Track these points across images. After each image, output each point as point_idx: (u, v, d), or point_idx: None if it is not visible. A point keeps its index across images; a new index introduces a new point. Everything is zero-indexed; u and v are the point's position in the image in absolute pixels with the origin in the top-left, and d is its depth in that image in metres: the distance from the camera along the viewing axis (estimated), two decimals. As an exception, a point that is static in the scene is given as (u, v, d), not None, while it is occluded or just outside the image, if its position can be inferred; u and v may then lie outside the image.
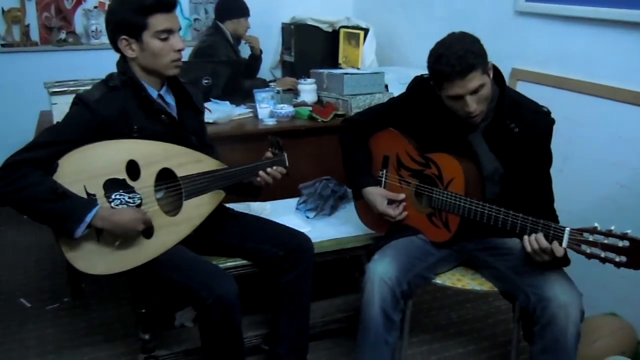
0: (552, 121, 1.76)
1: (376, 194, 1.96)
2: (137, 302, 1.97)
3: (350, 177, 2.07)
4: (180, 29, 1.80)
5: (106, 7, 3.72)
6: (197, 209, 1.84)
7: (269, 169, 1.96)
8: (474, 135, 1.81)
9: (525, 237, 1.60)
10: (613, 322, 2.14)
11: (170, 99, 1.88)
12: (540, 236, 1.56)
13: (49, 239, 3.14)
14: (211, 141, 2.05)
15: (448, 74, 1.64)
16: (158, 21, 1.71)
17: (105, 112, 1.70)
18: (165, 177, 1.79)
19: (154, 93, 1.81)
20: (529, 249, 1.59)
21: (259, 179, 1.96)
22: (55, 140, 1.66)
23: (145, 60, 1.76)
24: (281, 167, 2.00)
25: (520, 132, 1.74)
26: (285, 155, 2.03)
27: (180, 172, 1.80)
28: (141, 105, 1.77)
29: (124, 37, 1.73)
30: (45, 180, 1.60)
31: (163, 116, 1.81)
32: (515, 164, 1.77)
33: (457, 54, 1.62)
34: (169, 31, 1.74)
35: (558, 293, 1.64)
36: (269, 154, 2.02)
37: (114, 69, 1.81)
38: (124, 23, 1.72)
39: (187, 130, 1.89)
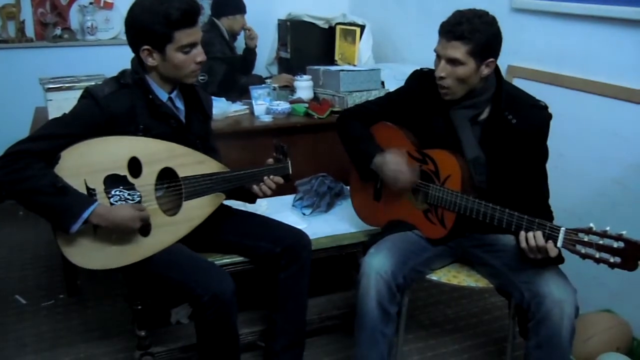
0: (549, 115, 1.77)
1: (394, 153, 1.84)
2: (133, 299, 1.97)
3: (355, 152, 1.99)
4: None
5: (102, 4, 3.73)
6: (196, 210, 1.83)
7: (267, 180, 1.94)
8: (460, 122, 1.80)
9: (522, 232, 1.60)
10: (608, 318, 2.15)
11: (180, 104, 1.87)
12: (539, 234, 1.56)
13: (44, 236, 3.14)
14: (215, 144, 2.04)
15: (441, 27, 1.71)
16: (183, 36, 1.70)
17: (113, 108, 1.70)
18: (166, 176, 1.79)
19: (164, 96, 1.80)
20: (524, 245, 1.59)
21: (256, 189, 1.94)
22: (60, 133, 1.66)
23: (165, 69, 1.75)
24: (282, 175, 1.98)
25: (517, 125, 1.74)
26: (289, 162, 2.00)
27: (182, 173, 1.79)
28: (149, 106, 1.76)
29: (147, 47, 1.71)
30: (46, 173, 1.60)
31: (172, 120, 1.81)
32: (510, 156, 1.77)
33: (461, 20, 1.66)
34: (193, 44, 1.74)
35: (552, 289, 1.64)
36: (270, 160, 2.01)
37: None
38: (148, 34, 1.69)
39: (194, 134, 1.89)
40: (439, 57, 1.74)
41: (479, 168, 1.79)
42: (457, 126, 1.80)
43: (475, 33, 1.66)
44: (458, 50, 1.67)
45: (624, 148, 2.21)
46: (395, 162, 1.84)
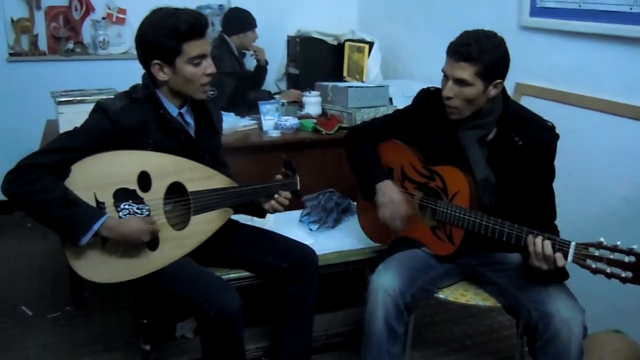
0: (557, 136, 1.76)
1: (393, 186, 1.91)
2: (139, 312, 1.97)
3: (360, 174, 2.02)
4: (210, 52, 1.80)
5: (114, 19, 3.78)
6: (204, 225, 1.83)
7: (277, 197, 1.95)
8: (469, 142, 1.80)
9: (531, 237, 1.58)
10: (617, 339, 2.12)
11: (189, 119, 1.88)
12: (548, 243, 1.55)
13: (51, 247, 3.15)
14: (226, 159, 2.04)
15: (449, 48, 1.71)
16: (192, 47, 1.72)
17: (124, 122, 1.71)
18: (175, 190, 1.80)
19: (174, 111, 1.82)
20: (531, 248, 1.57)
21: (267, 206, 1.95)
22: (71, 147, 1.67)
23: (176, 83, 1.77)
24: (291, 191, 1.98)
25: (523, 146, 1.74)
26: (298, 178, 2.01)
27: (190, 187, 1.80)
28: (159, 121, 1.78)
29: (157, 61, 1.73)
30: (56, 186, 1.61)
31: (182, 135, 1.82)
32: (517, 177, 1.76)
33: (469, 40, 1.66)
34: (202, 56, 1.75)
35: (560, 309, 1.63)
36: (279, 176, 2.01)
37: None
38: (157, 48, 1.71)
39: (203, 149, 1.90)
40: (446, 77, 1.74)
41: (489, 188, 1.79)
42: (466, 147, 1.80)
43: (483, 54, 1.66)
44: (466, 71, 1.67)
45: (632, 166, 2.20)
46: (390, 196, 1.89)
